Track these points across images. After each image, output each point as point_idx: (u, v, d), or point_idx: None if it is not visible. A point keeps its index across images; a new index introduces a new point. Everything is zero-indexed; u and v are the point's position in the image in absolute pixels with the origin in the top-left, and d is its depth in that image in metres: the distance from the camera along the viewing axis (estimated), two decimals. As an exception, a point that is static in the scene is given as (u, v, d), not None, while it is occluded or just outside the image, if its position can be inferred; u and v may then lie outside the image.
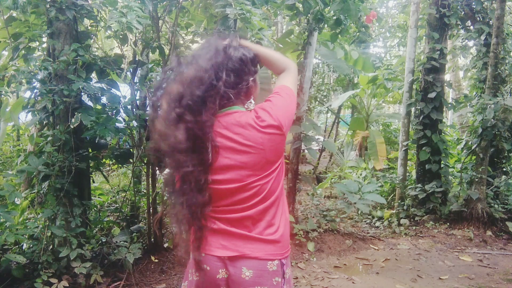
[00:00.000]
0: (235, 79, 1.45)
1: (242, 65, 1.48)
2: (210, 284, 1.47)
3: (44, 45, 3.78)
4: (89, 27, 4.09)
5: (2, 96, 4.02)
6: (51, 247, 3.55)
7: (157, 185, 4.41)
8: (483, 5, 6.26)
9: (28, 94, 3.84)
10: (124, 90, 4.00)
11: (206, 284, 1.48)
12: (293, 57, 6.11)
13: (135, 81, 4.13)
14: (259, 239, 1.44)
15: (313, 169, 9.52)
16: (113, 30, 3.54)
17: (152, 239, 4.34)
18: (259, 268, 1.43)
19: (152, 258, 4.14)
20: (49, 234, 3.57)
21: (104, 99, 3.73)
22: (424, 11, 6.41)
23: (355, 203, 4.95)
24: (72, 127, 3.42)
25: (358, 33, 5.25)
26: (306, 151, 7.06)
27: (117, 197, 5.16)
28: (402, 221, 5.91)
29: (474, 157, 5.99)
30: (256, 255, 1.43)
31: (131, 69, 4.25)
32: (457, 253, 4.86)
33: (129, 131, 3.96)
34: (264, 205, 1.45)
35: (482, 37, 6.27)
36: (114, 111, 3.66)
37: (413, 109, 6.45)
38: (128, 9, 3.00)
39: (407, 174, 6.76)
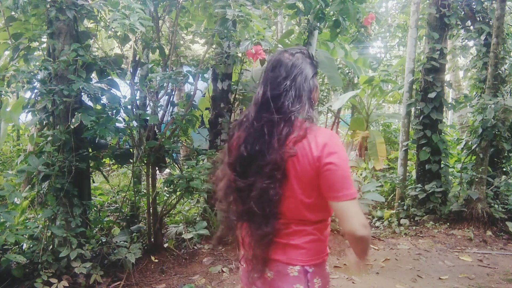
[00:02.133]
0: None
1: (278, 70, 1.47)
2: (247, 278, 1.54)
3: (44, 45, 3.78)
4: (89, 27, 4.09)
5: (2, 96, 4.02)
6: (51, 247, 3.55)
7: (157, 185, 4.41)
8: (483, 5, 6.26)
9: (28, 94, 3.84)
10: (124, 90, 4.01)
11: (245, 277, 1.57)
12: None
13: (135, 81, 4.14)
14: (283, 243, 1.46)
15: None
16: (113, 30, 3.54)
17: (152, 239, 4.34)
18: (279, 271, 1.45)
19: (152, 258, 4.14)
20: (49, 234, 3.57)
21: (104, 99, 3.73)
22: (424, 11, 6.41)
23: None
24: (72, 127, 3.42)
25: (357, 33, 5.27)
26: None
27: (117, 197, 5.16)
28: (402, 221, 5.90)
29: (474, 157, 5.99)
30: (278, 258, 1.45)
31: (131, 69, 4.26)
32: (457, 253, 4.86)
33: (129, 131, 3.96)
34: (295, 220, 1.46)
35: (482, 37, 6.27)
36: (114, 111, 3.66)
37: (413, 109, 6.45)
38: (131, 11, 3.00)
39: (407, 174, 6.76)
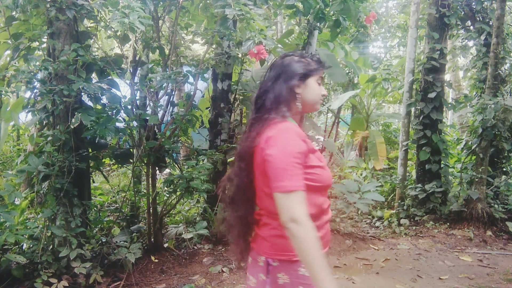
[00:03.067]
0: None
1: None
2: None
3: (44, 45, 3.77)
4: (89, 27, 4.09)
5: (2, 96, 4.02)
6: (51, 247, 3.55)
7: (157, 185, 4.41)
8: (483, 5, 6.26)
9: (28, 94, 3.84)
10: (124, 90, 4.00)
11: None
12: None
13: (135, 81, 4.13)
14: (257, 233, 1.61)
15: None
16: (113, 30, 3.53)
17: (152, 239, 4.34)
18: (252, 257, 1.61)
19: (152, 258, 4.14)
20: (49, 234, 3.57)
21: (104, 99, 3.73)
22: (424, 11, 6.41)
23: (354, 202, 4.94)
24: (72, 127, 3.42)
25: (357, 33, 5.27)
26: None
27: (117, 197, 5.16)
28: (402, 221, 5.90)
29: (474, 157, 5.99)
30: (252, 246, 1.61)
31: (131, 69, 4.26)
32: (457, 253, 4.86)
33: (129, 131, 3.96)
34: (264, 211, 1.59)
35: (482, 37, 6.27)
36: (114, 111, 3.66)
37: (413, 109, 6.45)
38: (130, 10, 3.00)
39: (407, 174, 6.76)
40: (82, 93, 3.67)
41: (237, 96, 5.43)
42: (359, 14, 4.71)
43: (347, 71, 9.39)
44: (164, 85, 3.91)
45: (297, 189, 1.35)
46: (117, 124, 3.63)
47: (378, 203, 6.31)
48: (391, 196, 6.73)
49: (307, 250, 1.32)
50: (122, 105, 3.75)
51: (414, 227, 5.75)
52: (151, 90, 3.97)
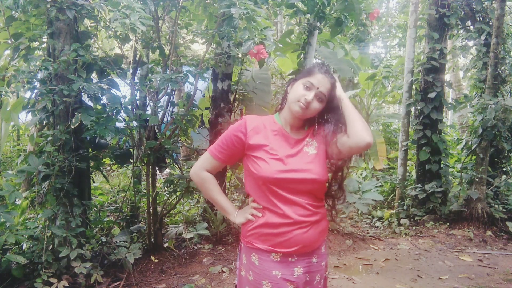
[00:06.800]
0: None
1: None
2: None
3: (44, 45, 3.77)
4: (89, 27, 4.08)
5: (2, 96, 4.02)
6: (51, 247, 3.54)
7: (157, 185, 4.41)
8: (483, 5, 6.27)
9: (28, 94, 3.83)
10: (124, 90, 4.00)
11: None
12: (293, 57, 6.11)
13: (135, 81, 4.13)
14: None
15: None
16: (114, 30, 3.52)
17: (152, 239, 4.34)
18: None
19: (152, 258, 4.14)
20: (49, 234, 3.56)
21: (104, 99, 3.73)
22: (424, 11, 6.42)
23: (354, 203, 4.94)
24: (72, 127, 3.41)
25: (357, 32, 5.26)
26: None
27: (117, 197, 5.16)
28: (402, 221, 5.91)
29: (474, 157, 5.99)
30: None
31: (131, 69, 4.25)
32: (457, 253, 4.86)
33: (129, 131, 3.96)
34: None
35: (482, 37, 6.28)
36: (114, 111, 3.66)
37: (413, 109, 6.45)
38: (131, 10, 3.00)
39: (407, 174, 6.76)
40: (82, 93, 3.66)
41: (237, 96, 5.42)
42: (362, 12, 4.67)
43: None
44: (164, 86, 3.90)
45: (208, 152, 1.77)
46: (117, 124, 3.63)
47: (378, 203, 6.31)
48: (391, 196, 6.73)
49: (203, 192, 1.88)
50: (122, 105, 3.74)
51: (414, 227, 5.76)
52: (151, 90, 3.97)
